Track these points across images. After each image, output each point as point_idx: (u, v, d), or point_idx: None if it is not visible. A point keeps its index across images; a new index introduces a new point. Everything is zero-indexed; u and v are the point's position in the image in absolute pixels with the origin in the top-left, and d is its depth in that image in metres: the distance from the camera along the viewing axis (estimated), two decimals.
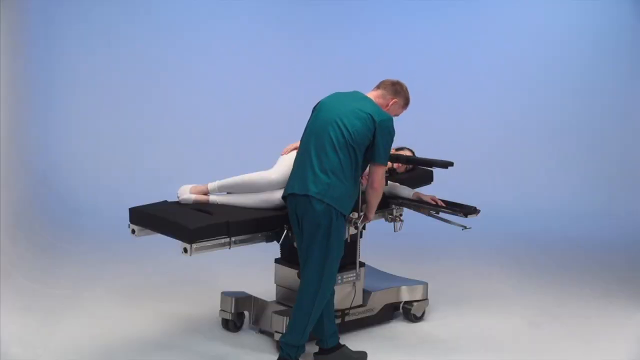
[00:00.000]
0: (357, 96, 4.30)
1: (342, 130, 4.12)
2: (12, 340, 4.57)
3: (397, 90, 4.39)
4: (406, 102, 4.45)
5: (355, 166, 4.16)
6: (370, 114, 4.14)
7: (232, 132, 8.29)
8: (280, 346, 4.26)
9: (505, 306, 5.48)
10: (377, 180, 4.24)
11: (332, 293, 4.35)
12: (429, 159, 4.77)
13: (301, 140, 4.33)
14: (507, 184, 8.27)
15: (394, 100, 4.37)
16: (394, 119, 4.30)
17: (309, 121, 4.34)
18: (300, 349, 4.26)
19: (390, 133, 4.20)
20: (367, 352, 4.50)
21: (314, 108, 4.38)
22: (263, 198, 4.54)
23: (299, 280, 4.61)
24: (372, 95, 4.36)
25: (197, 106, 8.38)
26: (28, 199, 7.08)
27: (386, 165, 4.27)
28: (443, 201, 4.78)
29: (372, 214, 4.42)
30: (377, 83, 4.48)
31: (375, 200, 4.34)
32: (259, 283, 5.32)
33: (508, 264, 6.56)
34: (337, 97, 4.33)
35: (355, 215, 4.45)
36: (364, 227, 4.66)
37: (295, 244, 4.45)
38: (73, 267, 6.14)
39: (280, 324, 4.46)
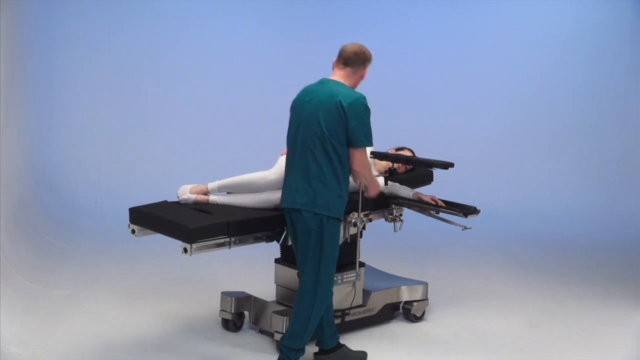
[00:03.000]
0: (325, 85, 4.18)
1: (317, 131, 4.07)
2: (12, 340, 4.57)
3: (364, 58, 4.23)
4: (371, 62, 4.26)
5: (336, 165, 4.07)
6: (338, 102, 4.04)
7: (232, 132, 8.29)
8: (280, 348, 4.26)
9: (505, 306, 5.48)
10: (355, 163, 4.11)
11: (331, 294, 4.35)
12: (429, 160, 4.77)
13: (287, 147, 4.28)
14: (507, 184, 8.27)
15: (364, 69, 4.24)
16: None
17: (289, 124, 4.28)
18: (300, 351, 4.26)
19: (363, 112, 4.07)
20: (367, 352, 4.50)
21: (291, 108, 4.31)
22: (263, 198, 4.54)
23: (298, 280, 4.62)
24: (340, 75, 4.23)
25: (197, 106, 8.38)
26: (28, 199, 7.07)
27: (366, 146, 4.11)
28: (443, 201, 4.78)
29: (372, 189, 4.30)
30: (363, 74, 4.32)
31: (364, 180, 4.22)
32: (259, 283, 5.33)
33: (508, 264, 6.56)
34: (306, 94, 4.22)
35: (355, 215, 4.45)
36: (363, 227, 4.66)
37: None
38: (73, 267, 6.14)
39: (280, 324, 4.46)
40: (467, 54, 8.54)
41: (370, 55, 4.28)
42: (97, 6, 8.08)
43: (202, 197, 4.61)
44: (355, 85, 4.26)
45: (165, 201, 4.67)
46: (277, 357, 4.29)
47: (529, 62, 8.53)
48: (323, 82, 4.23)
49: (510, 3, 8.55)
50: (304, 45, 8.36)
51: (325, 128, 4.05)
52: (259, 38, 8.43)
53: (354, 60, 4.22)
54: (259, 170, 4.62)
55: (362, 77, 4.27)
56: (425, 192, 4.87)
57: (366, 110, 4.10)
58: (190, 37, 8.35)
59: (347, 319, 4.76)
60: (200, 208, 4.50)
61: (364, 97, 4.11)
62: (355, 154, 4.10)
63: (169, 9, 8.30)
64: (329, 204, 4.08)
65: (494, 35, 8.51)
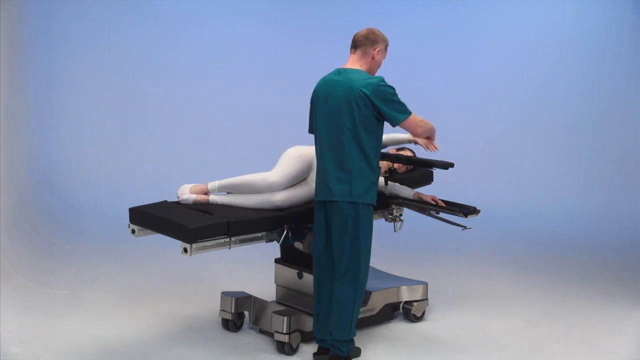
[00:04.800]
0: (343, 75, 4.22)
1: (346, 123, 4.13)
2: (12, 340, 4.57)
3: (374, 39, 4.28)
4: (386, 44, 4.35)
5: (369, 154, 4.17)
6: (361, 91, 4.10)
7: (233, 132, 8.29)
8: (331, 344, 4.29)
9: (505, 306, 5.48)
10: (414, 129, 4.34)
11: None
12: (429, 160, 4.77)
13: (315, 141, 4.33)
14: (507, 184, 8.27)
15: (376, 49, 4.28)
16: (383, 65, 4.34)
17: (313, 118, 4.33)
18: (352, 342, 4.30)
19: (389, 93, 4.16)
20: (367, 352, 4.51)
21: (312, 101, 4.35)
22: (263, 199, 4.53)
23: (299, 280, 4.62)
24: (353, 60, 4.29)
25: (197, 106, 8.38)
26: (28, 199, 7.07)
27: (408, 116, 4.23)
28: (443, 201, 4.78)
29: (434, 137, 4.57)
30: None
31: (428, 134, 4.50)
32: (259, 283, 5.33)
33: (508, 264, 6.56)
34: (325, 85, 4.26)
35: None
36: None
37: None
38: (73, 267, 6.14)
39: (280, 324, 4.46)
40: (467, 54, 8.54)
41: (382, 37, 4.32)
42: (97, 6, 8.08)
43: (202, 197, 4.60)
44: (370, 70, 4.29)
45: (165, 201, 4.67)
46: (277, 357, 4.30)
47: (529, 62, 8.53)
48: (340, 72, 4.27)
49: (510, 3, 8.55)
50: (304, 45, 8.36)
51: (355, 118, 4.12)
52: (259, 38, 8.43)
53: (362, 41, 4.29)
54: (259, 170, 4.61)
55: (373, 59, 4.28)
56: (426, 192, 4.87)
57: (390, 90, 4.18)
58: (190, 37, 8.35)
59: None
60: (200, 208, 4.50)
61: (383, 79, 4.18)
62: (410, 123, 4.28)
63: (169, 9, 8.30)
64: (364, 192, 4.18)
65: (494, 35, 8.51)
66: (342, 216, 4.18)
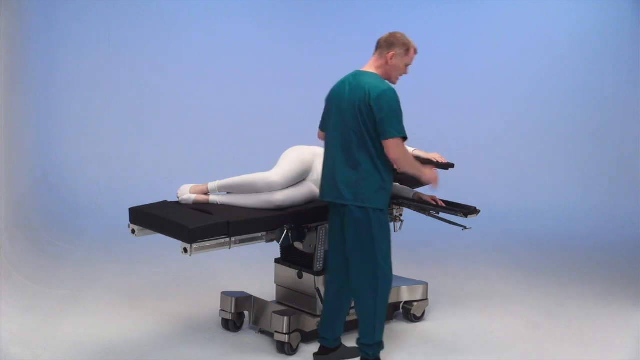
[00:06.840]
0: (357, 78, 4.18)
1: (353, 125, 4.09)
2: (12, 340, 4.57)
3: (392, 42, 4.19)
4: (406, 47, 4.19)
5: (375, 158, 4.09)
6: (367, 95, 4.03)
7: (233, 132, 8.29)
8: (359, 347, 4.30)
9: (505, 306, 5.48)
10: (389, 153, 4.06)
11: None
12: (429, 160, 4.76)
13: (325, 140, 4.30)
14: (507, 184, 8.27)
15: (391, 53, 4.18)
16: (408, 68, 4.22)
17: (325, 116, 4.32)
18: (377, 346, 4.29)
19: (390, 104, 4.02)
20: None
21: (327, 100, 4.32)
22: (263, 199, 4.54)
23: (299, 280, 4.62)
24: (371, 62, 4.24)
25: (197, 106, 8.38)
26: (28, 199, 7.07)
27: (396, 137, 4.01)
28: (443, 201, 4.78)
29: (424, 178, 4.38)
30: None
31: (406, 170, 4.21)
32: (259, 283, 5.33)
33: (508, 264, 6.56)
34: (342, 86, 4.22)
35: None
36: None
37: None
38: (73, 267, 6.15)
39: (280, 324, 4.46)
40: (467, 54, 8.54)
41: (402, 41, 4.18)
42: (97, 6, 8.08)
43: (202, 197, 4.60)
44: (386, 73, 4.19)
45: (165, 201, 4.67)
46: (277, 357, 4.29)
47: (529, 62, 8.53)
48: (356, 74, 4.22)
49: (510, 3, 8.55)
50: (305, 45, 8.36)
51: (361, 122, 4.06)
52: (260, 38, 8.43)
53: (381, 44, 4.23)
54: (259, 170, 4.61)
55: (387, 63, 4.18)
56: (426, 192, 4.87)
57: (393, 102, 4.04)
58: (190, 37, 8.35)
59: (347, 318, 4.74)
60: (200, 208, 4.50)
61: (392, 89, 4.07)
62: (386, 145, 4.05)
63: (169, 9, 8.30)
64: (372, 196, 4.11)
65: (494, 35, 8.51)
66: (353, 220, 4.15)
